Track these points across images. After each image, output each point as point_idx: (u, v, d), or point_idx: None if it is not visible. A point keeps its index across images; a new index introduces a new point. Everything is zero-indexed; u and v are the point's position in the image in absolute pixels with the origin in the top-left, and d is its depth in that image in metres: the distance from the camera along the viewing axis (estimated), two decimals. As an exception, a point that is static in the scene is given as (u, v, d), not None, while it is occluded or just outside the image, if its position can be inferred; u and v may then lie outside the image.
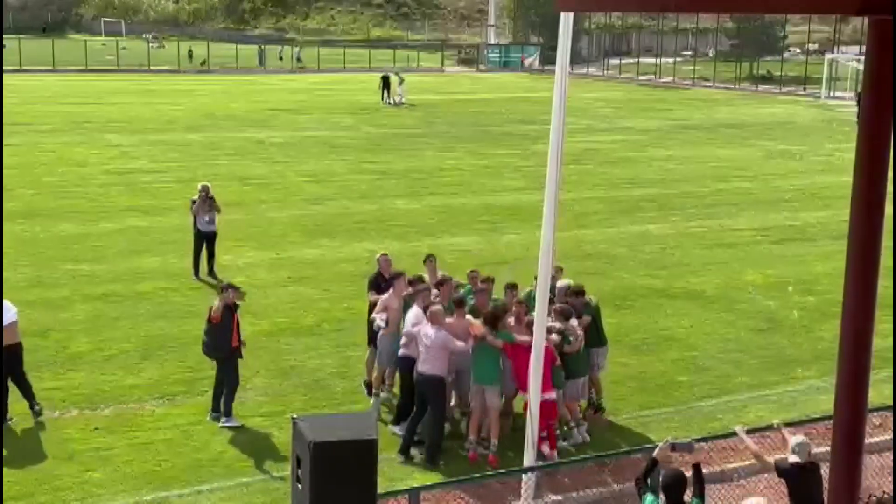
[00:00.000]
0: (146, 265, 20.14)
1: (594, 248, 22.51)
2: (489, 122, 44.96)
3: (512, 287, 13.28)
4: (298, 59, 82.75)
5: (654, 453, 8.14)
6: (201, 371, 14.63)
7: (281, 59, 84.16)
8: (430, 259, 14.14)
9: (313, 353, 15.42)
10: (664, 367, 15.34)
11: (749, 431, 9.43)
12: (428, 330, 11.89)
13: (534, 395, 9.97)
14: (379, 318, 12.97)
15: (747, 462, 10.73)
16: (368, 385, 13.79)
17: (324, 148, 35.99)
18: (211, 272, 18.94)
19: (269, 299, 17.76)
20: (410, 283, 13.09)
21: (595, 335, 13.08)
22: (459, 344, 11.87)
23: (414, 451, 12.08)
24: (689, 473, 8.01)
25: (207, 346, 12.89)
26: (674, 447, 8.09)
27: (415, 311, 12.43)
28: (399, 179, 30.31)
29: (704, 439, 10.43)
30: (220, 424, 12.81)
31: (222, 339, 12.71)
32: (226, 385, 12.88)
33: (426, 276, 13.61)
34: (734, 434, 9.30)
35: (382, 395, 13.49)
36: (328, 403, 13.58)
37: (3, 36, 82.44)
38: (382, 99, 53.64)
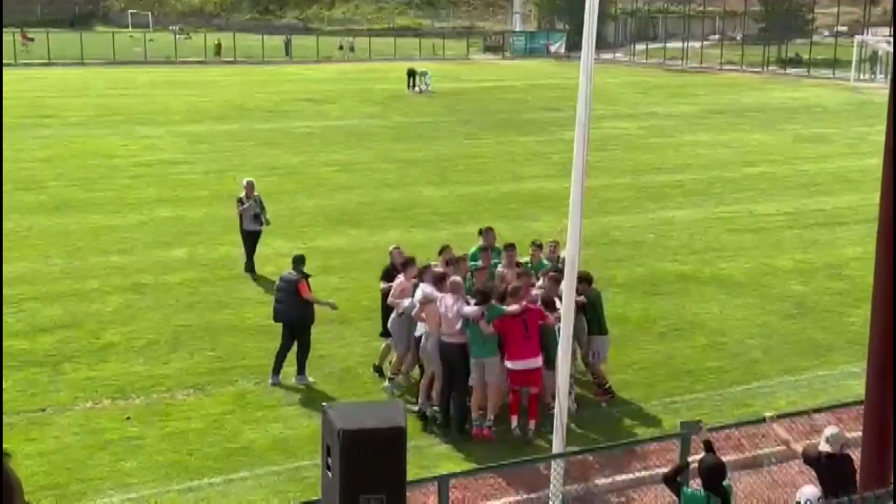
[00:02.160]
0: (175, 256, 20.29)
1: (621, 235, 22.42)
2: (515, 110, 44.84)
3: (510, 247, 13.94)
4: (352, 49, 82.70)
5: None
6: (231, 360, 14.74)
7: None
8: (445, 250, 14.16)
9: (341, 342, 15.49)
10: (693, 353, 15.28)
11: (779, 417, 9.37)
12: (448, 300, 12.22)
13: (562, 376, 9.93)
14: (406, 302, 13.08)
15: (778, 448, 10.67)
16: (378, 369, 14.08)
17: (350, 137, 36.04)
18: (251, 267, 18.93)
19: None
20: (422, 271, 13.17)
21: (596, 324, 13.08)
22: (469, 310, 12.09)
23: (430, 412, 12.53)
24: (699, 456, 8.02)
25: (280, 314, 13.78)
26: (682, 426, 8.17)
27: (422, 287, 12.65)
28: (425, 168, 30.32)
29: (734, 425, 10.38)
30: (295, 382, 13.64)
31: (305, 309, 13.66)
32: (300, 349, 13.80)
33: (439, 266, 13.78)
34: (764, 420, 9.25)
35: (398, 378, 13.64)
36: (357, 392, 13.64)
37: (31, 30, 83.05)
38: (409, 88, 53.63)
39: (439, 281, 12.62)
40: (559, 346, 10.10)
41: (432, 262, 13.71)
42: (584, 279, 13.25)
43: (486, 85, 57.25)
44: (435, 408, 12.64)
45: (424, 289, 12.66)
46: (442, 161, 31.54)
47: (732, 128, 39.68)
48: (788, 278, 19.14)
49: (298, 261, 14.07)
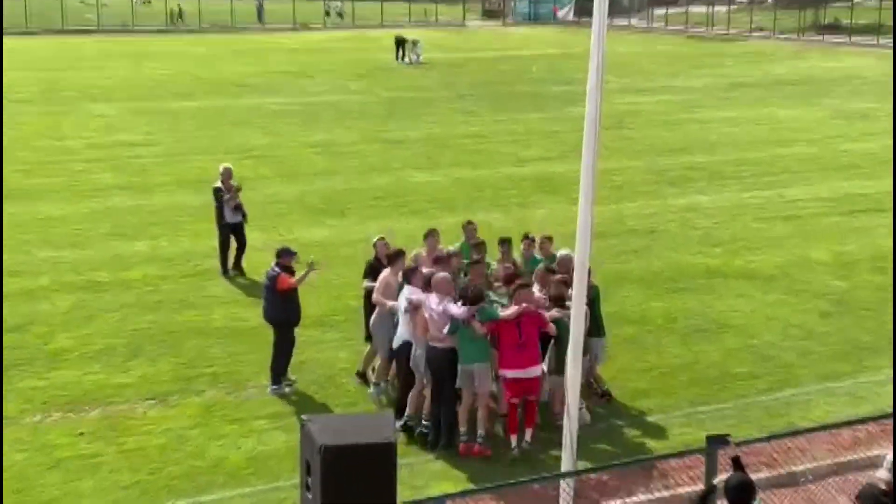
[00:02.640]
0: (134, 250, 20.28)
1: (638, 224, 22.44)
2: (517, 83, 44.83)
3: (505, 243, 14.06)
4: (340, 15, 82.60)
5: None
6: (197, 367, 14.74)
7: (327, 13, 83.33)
8: (431, 234, 14.26)
9: (323, 346, 15.49)
10: (719, 357, 15.31)
11: (816, 429, 9.38)
12: (432, 300, 12.23)
13: (572, 384, 9.94)
14: (391, 302, 13.17)
15: (816, 463, 10.71)
16: (361, 375, 14.18)
17: (332, 115, 36.03)
18: (238, 266, 18.79)
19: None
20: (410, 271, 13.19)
21: (593, 324, 13.07)
22: (457, 310, 12.08)
23: (419, 428, 12.55)
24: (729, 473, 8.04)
25: (267, 312, 14.00)
26: (708, 440, 8.18)
27: (407, 293, 12.71)
28: (416, 149, 30.31)
29: (766, 439, 10.40)
30: (268, 391, 13.78)
31: (287, 306, 13.80)
32: (279, 350, 13.84)
33: (424, 253, 13.99)
34: (800, 432, 9.25)
35: (382, 385, 13.75)
36: (340, 403, 13.65)
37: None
38: (397, 59, 53.59)
39: (429, 285, 12.60)
40: (569, 352, 10.10)
41: (417, 252, 13.75)
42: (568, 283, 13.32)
43: (484, 55, 57.25)
44: (424, 422, 12.67)
45: (411, 295, 12.64)
46: (435, 142, 31.54)
47: (763, 102, 39.72)
48: (826, 272, 19.17)
49: (280, 254, 14.09)
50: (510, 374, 12.18)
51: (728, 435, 8.81)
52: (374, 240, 14.80)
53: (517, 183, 26.10)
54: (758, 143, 31.50)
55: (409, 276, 12.98)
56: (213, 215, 19.09)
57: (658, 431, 12.96)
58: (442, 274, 12.55)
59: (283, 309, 13.86)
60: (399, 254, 13.79)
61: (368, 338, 14.15)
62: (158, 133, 32.37)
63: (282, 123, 34.33)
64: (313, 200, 24.22)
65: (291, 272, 13.97)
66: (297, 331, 14.13)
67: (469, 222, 15.10)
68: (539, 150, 30.24)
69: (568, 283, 12.65)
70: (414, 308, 12.55)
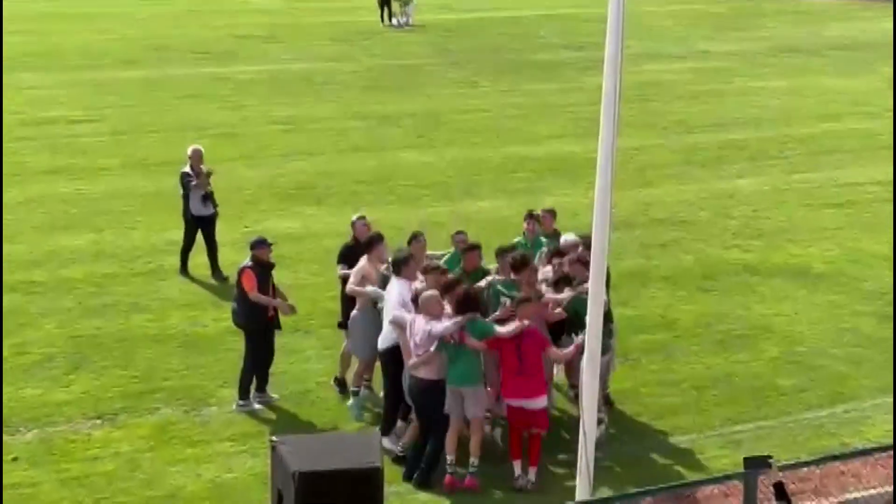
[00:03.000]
0: (75, 245, 20.25)
1: (666, 212, 22.46)
2: (524, 49, 44.76)
3: (505, 252, 13.70)
4: None
5: None
6: (150, 381, 14.75)
7: None
8: (417, 238, 14.18)
9: (297, 356, 15.50)
10: (760, 368, 15.35)
11: (872, 450, 9.43)
12: (419, 323, 12.13)
13: (588, 398, 9.98)
14: (369, 289, 13.33)
15: (872, 491, 10.75)
16: (340, 382, 14.25)
17: (305, 86, 35.94)
18: (216, 271, 18.61)
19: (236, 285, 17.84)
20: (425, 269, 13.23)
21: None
22: (442, 325, 12.02)
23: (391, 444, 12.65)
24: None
25: (235, 315, 14.04)
26: (747, 464, 8.23)
27: (398, 288, 12.70)
28: (405, 126, 30.26)
29: (815, 462, 10.44)
30: (233, 408, 13.87)
31: (255, 309, 13.74)
32: (249, 360, 13.86)
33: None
34: (854, 454, 9.30)
35: (363, 392, 13.79)
36: (318, 421, 13.67)
37: None
38: (383, 20, 53.52)
39: (448, 289, 12.47)
40: (583, 362, 10.14)
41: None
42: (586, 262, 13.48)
43: (484, 15, 57.14)
44: (402, 444, 12.71)
45: (400, 297, 12.61)
46: (428, 117, 31.48)
47: (810, 70, 39.70)
48: (884, 268, 19.19)
49: (252, 245, 14.11)
50: (512, 402, 12.23)
51: (770, 457, 8.84)
52: (354, 218, 14.83)
53: (524, 165, 26.08)
54: (805, 118, 31.49)
55: (400, 266, 12.97)
56: (168, 204, 19.07)
57: (689, 454, 13.00)
58: (431, 292, 12.33)
59: (251, 310, 13.86)
60: (377, 238, 13.82)
61: (340, 324, 14.23)
62: (101, 108, 32.25)
63: (246, 96, 34.21)
64: (284, 186, 24.19)
65: (267, 267, 13.94)
66: (274, 338, 14.14)
67: (459, 232, 14.75)
68: (550, 126, 30.20)
69: (587, 265, 12.79)
70: (399, 327, 12.53)
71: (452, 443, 12.29)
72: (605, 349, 12.59)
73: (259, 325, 13.93)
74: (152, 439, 13.23)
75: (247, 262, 13.94)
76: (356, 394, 13.79)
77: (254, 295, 13.70)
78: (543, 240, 14.78)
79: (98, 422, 13.68)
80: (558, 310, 12.83)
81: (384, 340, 12.89)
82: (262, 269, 13.88)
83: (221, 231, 19.13)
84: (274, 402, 14.11)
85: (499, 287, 13.14)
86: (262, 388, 14.12)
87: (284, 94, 34.55)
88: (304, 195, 23.53)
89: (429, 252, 14.22)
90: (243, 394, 13.97)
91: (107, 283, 18.41)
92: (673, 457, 12.94)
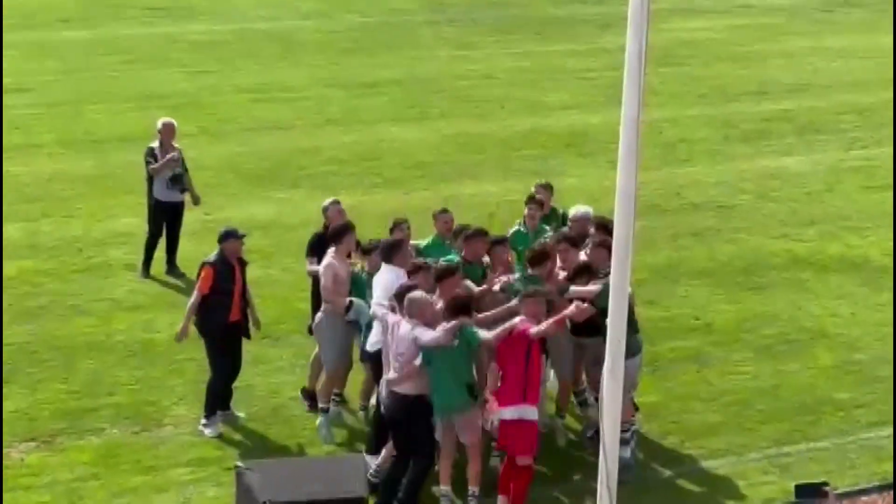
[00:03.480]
0: (4, 237, 20.20)
1: (700, 195, 22.45)
2: (531, 2, 44.74)
3: (498, 244, 13.84)
4: None
5: None
6: (94, 397, 14.74)
7: None
8: (399, 227, 14.29)
9: (266, 366, 15.48)
10: (812, 379, 15.35)
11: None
12: (404, 328, 12.08)
13: (610, 412, 9.97)
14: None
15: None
16: (310, 395, 14.32)
17: (276, 47, 35.90)
18: (172, 267, 18.61)
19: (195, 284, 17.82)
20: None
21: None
22: (430, 334, 11.93)
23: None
24: None
25: (198, 319, 13.95)
26: (798, 491, 8.23)
27: (388, 277, 12.79)
28: (394, 95, 30.24)
29: (877, 489, 10.46)
30: (199, 427, 13.79)
31: (215, 310, 13.65)
32: (212, 372, 13.79)
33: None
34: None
35: (332, 410, 13.83)
36: (292, 443, 13.67)
37: None
38: (366, -31, 53.47)
39: (444, 277, 12.57)
40: (605, 367, 10.13)
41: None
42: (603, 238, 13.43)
43: (487, -36, 57.12)
44: (374, 471, 12.65)
45: (382, 294, 12.69)
46: (420, 84, 31.45)
47: (871, 27, 39.66)
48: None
49: (220, 237, 14.04)
50: (507, 413, 12.08)
51: (826, 484, 8.84)
52: (326, 203, 14.91)
53: (535, 140, 26.07)
54: (864, 84, 31.45)
55: (391, 252, 13.02)
56: (115, 187, 19.04)
57: (728, 480, 13.00)
58: (419, 294, 12.26)
59: (207, 310, 13.78)
60: (345, 229, 13.86)
61: (310, 330, 14.30)
62: (35, 74, 32.21)
63: (208, 59, 34.17)
64: (252, 166, 24.16)
65: (236, 265, 13.82)
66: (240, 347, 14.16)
67: (443, 211, 14.89)
68: (564, 94, 30.18)
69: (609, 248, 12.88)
70: (381, 324, 12.58)
71: (446, 470, 12.25)
72: (636, 349, 12.62)
73: (216, 329, 13.85)
74: (96, 465, 13.19)
75: (212, 256, 13.92)
76: (325, 412, 13.75)
77: (195, 297, 13.66)
78: (546, 227, 14.79)
79: (32, 444, 13.64)
80: (585, 304, 12.73)
81: (374, 343, 12.88)
82: (229, 267, 13.81)
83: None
84: (239, 422, 14.09)
85: (518, 287, 13.03)
86: (224, 406, 14.10)
87: (252, 57, 34.50)
88: (276, 176, 23.49)
89: (412, 242, 14.30)
90: (209, 411, 13.93)
91: (42, 281, 18.36)
92: (710, 483, 12.94)
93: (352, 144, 25.70)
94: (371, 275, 13.46)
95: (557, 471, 12.89)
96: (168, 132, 18.50)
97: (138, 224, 19.29)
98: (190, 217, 19.74)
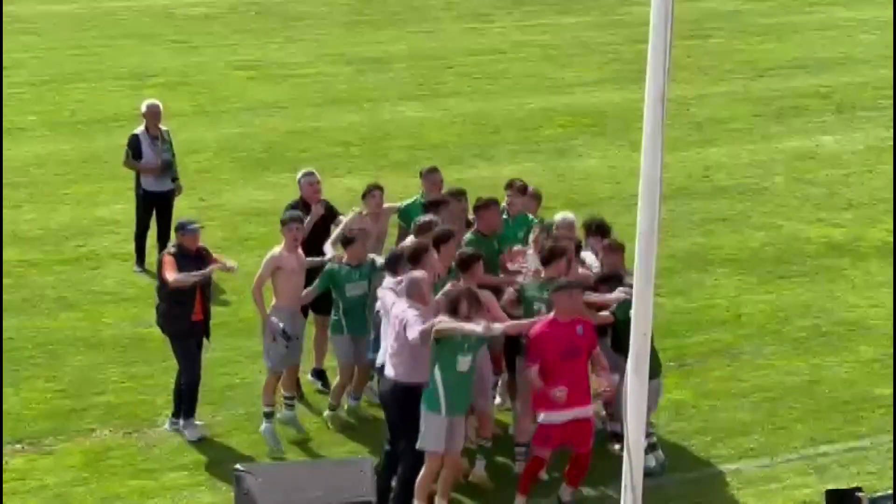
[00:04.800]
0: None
1: (730, 178, 22.45)
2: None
3: (519, 190, 14.54)
4: None
5: None
6: (82, 396, 14.78)
7: None
8: (373, 192, 14.74)
9: (261, 363, 15.50)
10: (851, 374, 15.36)
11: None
12: (400, 306, 12.20)
13: (633, 413, 9.99)
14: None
15: None
16: (318, 373, 14.85)
17: (275, 21, 35.89)
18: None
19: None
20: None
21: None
22: (412, 332, 11.96)
23: None
24: None
25: (157, 315, 13.99)
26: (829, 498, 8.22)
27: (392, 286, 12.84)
28: (402, 71, 30.24)
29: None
30: (174, 428, 13.84)
31: (177, 307, 13.55)
32: (183, 372, 13.73)
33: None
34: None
35: (283, 414, 13.98)
36: (294, 444, 13.73)
37: None
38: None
39: (441, 241, 12.84)
40: (629, 367, 10.16)
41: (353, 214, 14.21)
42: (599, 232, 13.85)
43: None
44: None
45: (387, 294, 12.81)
46: (430, 60, 31.44)
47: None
48: None
49: (176, 227, 14.06)
50: (558, 416, 12.17)
51: (859, 490, 8.83)
52: (299, 176, 15.28)
53: (552, 120, 26.07)
54: (907, 57, 31.43)
55: (393, 265, 13.08)
56: (102, 172, 19.05)
57: (761, 482, 13.03)
58: (419, 273, 12.40)
59: (169, 308, 13.72)
60: (295, 220, 14.16)
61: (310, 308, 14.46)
62: (15, 50, 32.24)
63: (199, 34, 34.17)
64: (250, 148, 24.18)
65: (194, 257, 13.73)
66: (213, 344, 14.17)
67: (432, 170, 15.25)
68: (584, 70, 30.17)
69: (618, 250, 13.18)
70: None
71: (426, 484, 12.13)
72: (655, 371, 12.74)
73: (180, 329, 13.75)
74: (85, 469, 13.25)
75: (169, 247, 13.94)
76: (269, 416, 13.74)
77: (178, 280, 13.42)
78: (531, 216, 14.70)
79: (18, 447, 13.69)
80: (605, 312, 12.78)
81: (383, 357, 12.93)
82: (188, 258, 13.65)
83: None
84: (237, 423, 14.10)
85: (530, 291, 13.02)
86: (176, 412, 13.98)
87: (247, 31, 34.52)
88: (275, 160, 23.51)
89: (386, 205, 14.84)
90: (185, 410, 13.81)
91: (26, 273, 18.41)
92: (741, 485, 12.97)
93: (356, 125, 25.72)
94: (349, 265, 13.69)
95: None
96: (153, 116, 18.43)
97: (127, 211, 19.31)
98: (184, 203, 19.77)
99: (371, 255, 13.95)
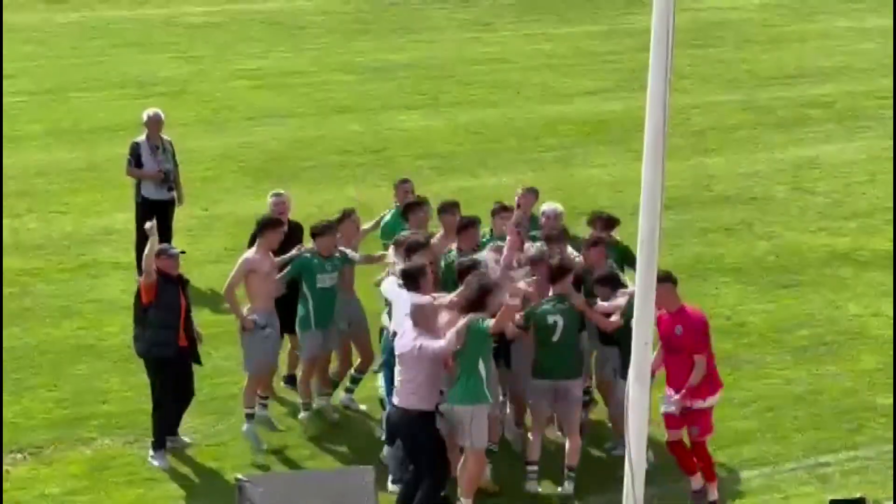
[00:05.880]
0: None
1: (731, 187, 22.45)
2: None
3: (502, 211, 14.55)
4: None
5: None
6: (83, 405, 14.80)
7: None
8: (350, 216, 14.84)
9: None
10: (853, 383, 15.37)
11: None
12: (408, 335, 12.19)
13: (634, 433, 10.01)
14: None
15: None
16: (290, 379, 14.97)
17: (277, 30, 35.91)
18: None
19: (192, 285, 17.84)
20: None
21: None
22: (439, 344, 12.09)
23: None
24: None
25: (139, 342, 13.57)
26: None
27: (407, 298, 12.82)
28: (404, 80, 30.24)
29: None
30: (148, 459, 13.52)
31: (163, 333, 13.25)
32: (159, 401, 13.51)
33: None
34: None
35: (259, 413, 14.05)
36: (295, 453, 13.76)
37: None
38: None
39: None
40: (630, 375, 10.17)
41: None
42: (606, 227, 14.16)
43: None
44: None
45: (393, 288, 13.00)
46: (432, 69, 31.45)
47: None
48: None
49: (157, 252, 13.68)
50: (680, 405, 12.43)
51: (862, 499, 8.83)
52: (270, 196, 15.41)
53: (555, 128, 26.07)
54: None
55: (418, 279, 12.98)
56: (105, 181, 19.02)
57: (763, 492, 13.04)
58: (426, 300, 12.46)
59: (156, 333, 13.38)
60: (274, 223, 14.27)
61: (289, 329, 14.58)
62: (20, 60, 32.29)
63: (203, 43, 34.19)
64: (251, 158, 24.19)
65: (175, 283, 13.52)
66: (213, 353, 14.16)
67: (404, 181, 15.42)
68: (586, 79, 30.17)
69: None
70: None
71: (472, 480, 12.35)
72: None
73: (168, 354, 13.47)
74: (87, 478, 13.26)
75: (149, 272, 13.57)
76: (250, 417, 13.83)
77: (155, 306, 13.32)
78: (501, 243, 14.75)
79: (19, 456, 13.72)
80: (615, 317, 12.81)
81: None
82: (169, 283, 13.44)
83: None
84: (238, 433, 14.10)
85: (542, 308, 13.08)
86: (171, 431, 13.89)
87: (250, 41, 34.52)
88: (277, 169, 23.52)
89: (364, 227, 15.14)
90: (157, 442, 13.64)
91: (28, 281, 18.44)
92: (743, 495, 12.97)
93: (358, 134, 25.74)
94: (321, 256, 13.98)
95: (578, 486, 12.91)
96: (154, 125, 18.44)
97: (129, 220, 19.27)
98: (185, 213, 19.81)
99: (341, 248, 14.18)
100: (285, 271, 14.11)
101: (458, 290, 12.58)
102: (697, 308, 12.83)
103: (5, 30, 35.77)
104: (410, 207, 14.58)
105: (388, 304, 13.54)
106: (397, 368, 12.27)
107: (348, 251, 14.25)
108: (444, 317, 12.38)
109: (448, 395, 12.29)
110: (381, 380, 13.69)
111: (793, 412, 14.65)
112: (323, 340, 14.09)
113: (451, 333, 11.99)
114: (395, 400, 12.25)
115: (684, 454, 12.62)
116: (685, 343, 12.30)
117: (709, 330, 12.50)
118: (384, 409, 13.28)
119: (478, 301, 12.16)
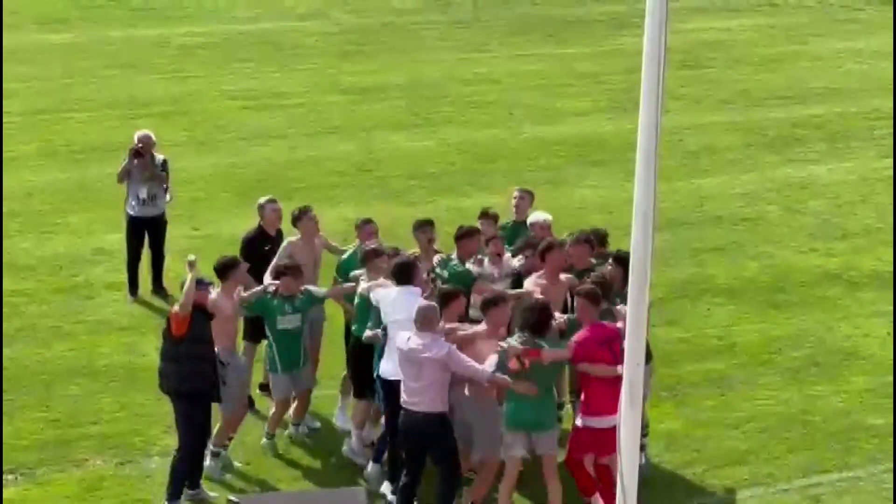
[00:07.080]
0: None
1: (723, 208, 22.45)
2: (543, 1, 44.80)
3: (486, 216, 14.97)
4: None
5: None
6: (76, 426, 14.75)
7: None
8: (307, 214, 15.19)
9: (257, 393, 15.49)
10: (845, 404, 15.35)
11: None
12: (415, 338, 12.19)
13: (627, 448, 10.01)
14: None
15: None
16: (265, 387, 14.89)
17: (268, 50, 35.93)
18: (158, 286, 18.63)
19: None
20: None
21: None
22: (475, 367, 12.13)
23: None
24: None
25: (170, 379, 13.05)
26: None
27: (406, 302, 12.79)
28: (395, 100, 30.23)
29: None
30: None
31: (199, 365, 12.87)
32: (183, 443, 13.00)
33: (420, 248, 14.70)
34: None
35: (224, 454, 13.89)
36: (285, 474, 13.70)
37: None
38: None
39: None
40: (622, 398, 10.18)
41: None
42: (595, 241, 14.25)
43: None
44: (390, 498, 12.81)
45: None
46: (424, 89, 31.43)
47: (906, 27, 39.65)
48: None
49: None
50: (597, 422, 12.23)
51: None
52: (262, 201, 15.42)
53: (547, 149, 26.04)
54: (899, 88, 31.48)
55: (408, 274, 13.13)
56: (96, 201, 19.01)
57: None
58: (428, 304, 12.52)
59: (194, 367, 12.91)
60: (233, 263, 14.02)
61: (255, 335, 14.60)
62: (12, 80, 32.30)
63: (194, 64, 34.19)
64: (244, 177, 24.15)
65: (207, 314, 13.23)
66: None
67: (367, 221, 15.09)
68: (578, 100, 30.16)
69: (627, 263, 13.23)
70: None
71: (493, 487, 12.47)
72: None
73: (200, 388, 12.99)
74: (79, 499, 13.22)
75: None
76: (216, 455, 13.68)
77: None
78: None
79: (10, 477, 13.65)
80: (620, 324, 12.81)
81: (388, 372, 12.96)
82: (201, 315, 13.10)
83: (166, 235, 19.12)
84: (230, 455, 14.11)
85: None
86: (194, 484, 13.28)
87: (241, 61, 34.51)
88: (269, 189, 23.30)
89: (331, 241, 15.55)
90: (173, 493, 13.02)
91: (20, 302, 18.37)
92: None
93: (350, 154, 25.72)
94: (282, 296, 13.76)
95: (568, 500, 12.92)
96: (147, 143, 18.46)
97: (122, 241, 19.30)
98: (177, 233, 19.80)
99: (306, 287, 13.99)
100: (250, 292, 13.89)
101: (488, 319, 12.62)
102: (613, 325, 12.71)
103: (43, 52, 35.84)
104: (369, 255, 13.98)
105: (366, 312, 13.53)
106: (405, 372, 12.24)
107: (312, 288, 14.09)
108: (482, 346, 12.38)
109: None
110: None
111: (785, 433, 14.62)
112: (291, 383, 13.98)
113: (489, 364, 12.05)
114: (412, 406, 12.21)
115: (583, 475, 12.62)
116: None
117: (614, 345, 12.25)
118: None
119: (539, 324, 12.25)
